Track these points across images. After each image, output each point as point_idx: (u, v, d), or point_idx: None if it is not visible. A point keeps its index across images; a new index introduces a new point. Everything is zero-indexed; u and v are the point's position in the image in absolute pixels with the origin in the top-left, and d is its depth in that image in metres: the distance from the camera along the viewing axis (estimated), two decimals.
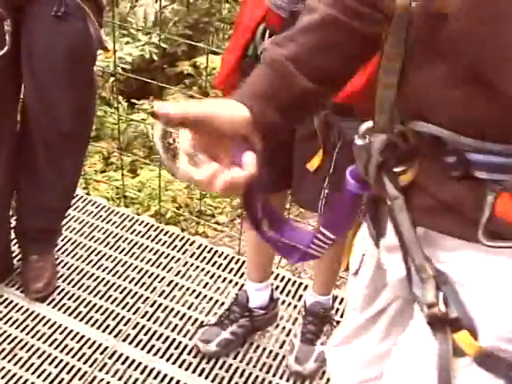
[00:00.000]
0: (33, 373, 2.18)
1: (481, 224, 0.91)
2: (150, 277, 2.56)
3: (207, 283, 2.56)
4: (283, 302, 2.49)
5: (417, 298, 1.00)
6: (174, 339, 2.33)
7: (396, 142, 0.97)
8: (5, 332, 2.30)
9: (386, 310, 1.19)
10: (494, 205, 0.90)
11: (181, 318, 2.41)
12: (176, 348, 2.30)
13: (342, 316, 2.35)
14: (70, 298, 2.44)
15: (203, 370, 2.24)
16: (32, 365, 2.21)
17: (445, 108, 0.91)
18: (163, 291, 2.50)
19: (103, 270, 2.57)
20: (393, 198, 0.99)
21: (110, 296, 2.47)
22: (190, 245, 2.72)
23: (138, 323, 2.37)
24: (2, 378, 2.15)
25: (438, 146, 0.92)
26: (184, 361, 2.26)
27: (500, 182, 0.89)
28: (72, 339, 2.30)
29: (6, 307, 2.39)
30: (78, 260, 2.59)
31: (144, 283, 2.53)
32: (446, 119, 0.91)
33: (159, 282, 2.54)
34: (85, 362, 2.22)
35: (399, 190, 0.99)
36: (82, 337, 2.30)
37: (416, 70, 0.93)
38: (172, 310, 2.44)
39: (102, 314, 2.39)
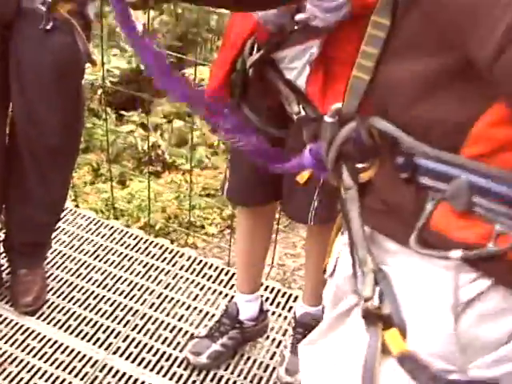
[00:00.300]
0: None
1: (415, 230, 0.91)
2: (139, 289, 2.55)
3: (197, 295, 2.56)
4: (273, 313, 2.50)
5: (359, 293, 0.99)
6: (165, 352, 2.32)
7: (362, 136, 0.96)
8: None
9: (353, 311, 1.18)
10: (432, 213, 0.90)
11: (171, 331, 2.40)
12: (166, 360, 2.29)
13: None
14: (59, 312, 2.43)
15: (194, 382, 2.23)
16: (22, 379, 2.19)
17: (404, 107, 0.90)
18: (153, 304, 2.50)
19: (93, 283, 2.56)
20: (347, 187, 0.99)
21: (100, 309, 2.46)
22: (180, 257, 2.72)
23: (128, 336, 2.37)
24: None
25: (394, 145, 0.92)
26: (175, 373, 2.26)
27: (441, 191, 0.88)
28: (62, 353, 2.29)
29: None
30: (67, 273, 2.59)
31: (134, 296, 2.53)
32: (402, 120, 0.90)
33: (149, 295, 2.53)
34: (75, 376, 2.21)
35: (355, 183, 0.99)
36: (72, 350, 2.30)
37: (392, 62, 0.92)
38: (162, 322, 2.43)
39: (92, 327, 2.38)
